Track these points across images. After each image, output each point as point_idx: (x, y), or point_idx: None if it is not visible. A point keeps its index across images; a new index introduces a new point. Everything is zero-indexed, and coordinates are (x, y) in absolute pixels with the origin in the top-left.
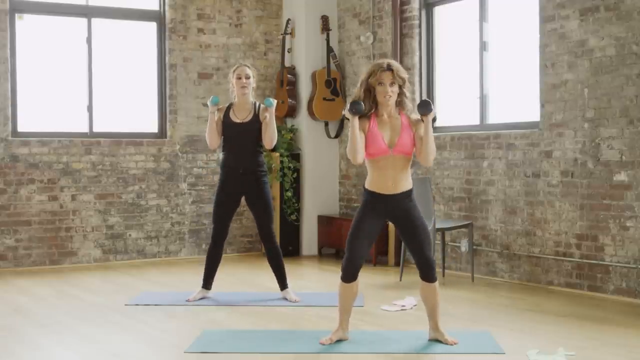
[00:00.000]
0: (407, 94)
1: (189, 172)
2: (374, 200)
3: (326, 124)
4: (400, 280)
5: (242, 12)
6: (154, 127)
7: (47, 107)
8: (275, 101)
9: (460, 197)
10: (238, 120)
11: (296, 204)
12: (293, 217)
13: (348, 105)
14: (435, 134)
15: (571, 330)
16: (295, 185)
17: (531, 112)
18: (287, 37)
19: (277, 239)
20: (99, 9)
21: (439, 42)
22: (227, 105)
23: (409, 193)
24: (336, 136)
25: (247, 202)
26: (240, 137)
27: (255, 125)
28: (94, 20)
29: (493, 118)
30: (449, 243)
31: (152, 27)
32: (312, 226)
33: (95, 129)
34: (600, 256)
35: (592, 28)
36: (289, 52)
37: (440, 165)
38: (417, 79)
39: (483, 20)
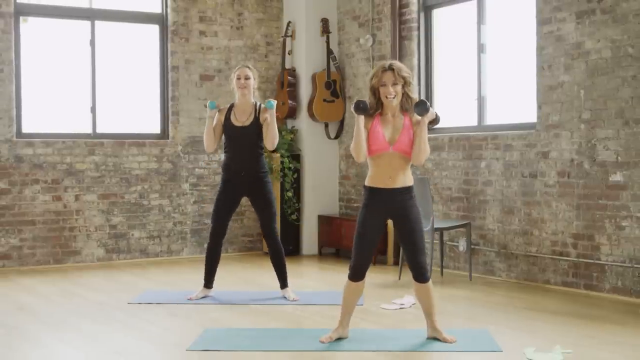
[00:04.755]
0: (411, 94)
1: (191, 172)
2: (373, 197)
3: (326, 125)
4: (399, 279)
5: (243, 15)
6: (156, 128)
7: (51, 108)
8: (276, 102)
9: (459, 197)
10: (238, 124)
11: (296, 204)
12: (293, 217)
13: (354, 103)
14: (434, 135)
15: (568, 328)
16: (296, 186)
17: (528, 113)
18: (288, 39)
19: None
20: (102, 12)
21: (437, 44)
22: (228, 105)
23: (408, 189)
24: (336, 137)
25: (251, 201)
26: (240, 140)
27: (255, 128)
28: (98, 23)
29: (491, 119)
30: (447, 242)
31: (154, 29)
32: (312, 226)
33: (99, 130)
34: (596, 255)
35: (588, 30)
36: (289, 54)
37: (438, 166)
38: (416, 80)
39: (481, 23)
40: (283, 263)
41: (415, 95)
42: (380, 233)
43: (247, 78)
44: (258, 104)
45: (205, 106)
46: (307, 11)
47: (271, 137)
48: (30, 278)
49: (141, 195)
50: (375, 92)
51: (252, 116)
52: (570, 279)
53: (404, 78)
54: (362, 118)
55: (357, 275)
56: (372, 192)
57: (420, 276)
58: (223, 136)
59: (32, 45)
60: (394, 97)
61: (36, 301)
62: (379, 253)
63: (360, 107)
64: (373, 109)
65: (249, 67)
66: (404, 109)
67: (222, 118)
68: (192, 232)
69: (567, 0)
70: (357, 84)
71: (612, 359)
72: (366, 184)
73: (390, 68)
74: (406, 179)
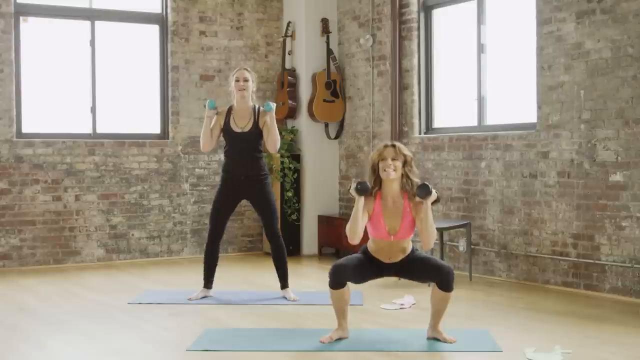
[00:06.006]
0: (411, 176)
1: (191, 172)
2: (372, 260)
3: (326, 125)
4: (399, 279)
5: (243, 15)
6: (156, 129)
7: (51, 108)
8: (275, 105)
9: (459, 197)
10: (238, 130)
11: (296, 204)
12: (293, 217)
13: (354, 184)
14: (434, 135)
15: (568, 328)
16: (296, 186)
17: (528, 113)
18: (288, 39)
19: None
20: (102, 12)
21: (437, 45)
22: (227, 108)
23: (408, 256)
24: (336, 137)
25: (252, 203)
26: (240, 145)
27: (254, 134)
28: (98, 23)
29: (491, 119)
30: (447, 242)
31: (154, 29)
32: (312, 226)
33: (99, 130)
34: (597, 255)
35: (588, 31)
36: (289, 54)
37: (438, 166)
38: (415, 80)
39: (481, 23)
40: (285, 264)
41: (416, 179)
42: (371, 276)
43: (245, 80)
44: (257, 107)
45: (205, 106)
46: (307, 11)
47: (272, 141)
48: (30, 278)
49: (141, 196)
50: (375, 169)
51: (251, 121)
52: (570, 279)
53: (404, 156)
54: (362, 200)
55: (335, 283)
56: (372, 257)
57: (447, 284)
58: (224, 138)
59: (32, 45)
60: (393, 170)
61: (36, 301)
62: None
63: (361, 189)
64: (372, 187)
65: (247, 70)
66: (404, 190)
67: (222, 121)
68: (192, 232)
69: (567, 0)
70: (357, 84)
71: (612, 359)
72: (368, 249)
73: (392, 145)
74: (406, 251)
